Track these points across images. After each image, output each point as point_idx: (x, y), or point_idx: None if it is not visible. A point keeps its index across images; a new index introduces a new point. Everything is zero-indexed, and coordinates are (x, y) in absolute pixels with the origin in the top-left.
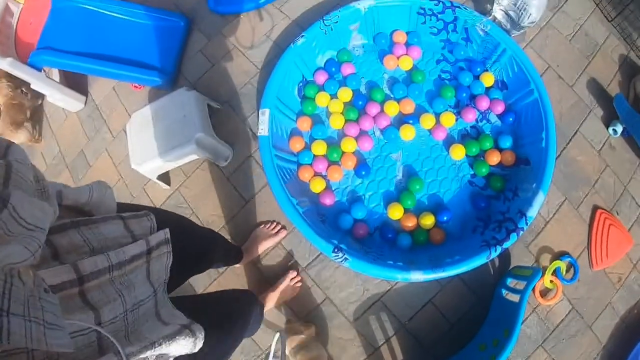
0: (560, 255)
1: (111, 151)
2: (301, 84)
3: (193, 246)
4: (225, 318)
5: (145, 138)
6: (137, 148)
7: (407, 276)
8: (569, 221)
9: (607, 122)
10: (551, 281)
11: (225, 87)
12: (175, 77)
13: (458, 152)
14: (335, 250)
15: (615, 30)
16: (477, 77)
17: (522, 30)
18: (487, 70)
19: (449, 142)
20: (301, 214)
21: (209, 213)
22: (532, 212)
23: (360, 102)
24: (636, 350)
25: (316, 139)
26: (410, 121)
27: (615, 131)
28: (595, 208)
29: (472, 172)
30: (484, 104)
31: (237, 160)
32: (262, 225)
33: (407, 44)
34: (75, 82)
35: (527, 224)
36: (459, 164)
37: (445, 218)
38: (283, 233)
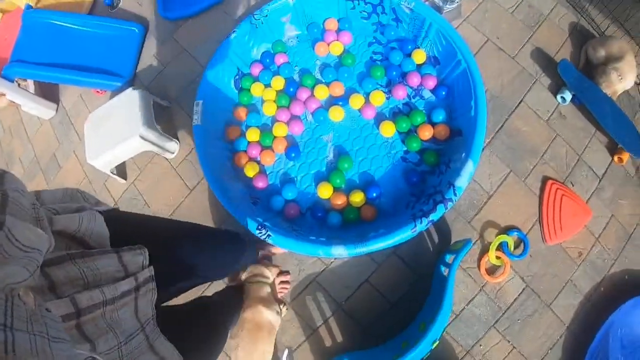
0: (507, 230)
1: (78, 153)
2: (237, 76)
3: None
4: (213, 332)
5: (98, 135)
6: (92, 144)
7: (329, 251)
8: (516, 194)
9: (556, 90)
10: (498, 257)
11: (175, 87)
12: (132, 81)
13: (388, 129)
14: (259, 227)
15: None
16: (408, 55)
17: (454, 5)
18: (418, 48)
19: (379, 121)
20: (229, 196)
21: (160, 203)
22: (461, 182)
23: (291, 89)
24: (604, 330)
25: (251, 127)
26: (340, 103)
27: (564, 99)
28: (545, 179)
29: (404, 149)
30: (415, 80)
31: (184, 153)
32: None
33: (339, 30)
34: (48, 92)
35: (455, 194)
36: (391, 141)
37: (374, 195)
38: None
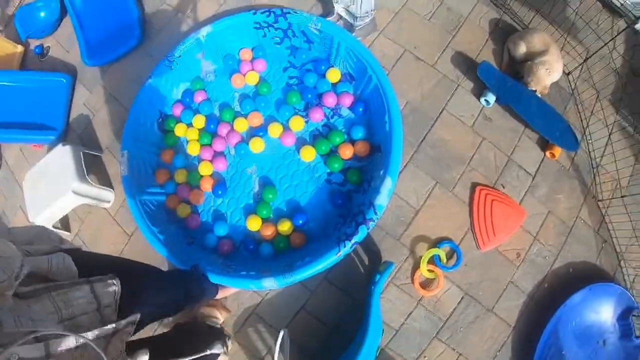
0: (438, 242)
1: (24, 207)
2: (160, 119)
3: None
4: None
5: (36, 193)
6: (31, 202)
7: (260, 284)
8: (444, 205)
9: (480, 93)
10: (431, 270)
11: (106, 133)
12: (65, 132)
13: (307, 154)
14: (192, 267)
15: None
16: (323, 76)
17: (367, 20)
18: (332, 66)
19: (300, 146)
20: (161, 240)
21: (103, 251)
22: (381, 200)
23: (212, 126)
24: (552, 326)
25: (178, 168)
26: (260, 133)
27: (487, 102)
28: (474, 186)
29: (327, 170)
30: (330, 100)
31: (119, 200)
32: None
33: (254, 59)
34: None
35: (376, 213)
36: (312, 165)
37: (300, 221)
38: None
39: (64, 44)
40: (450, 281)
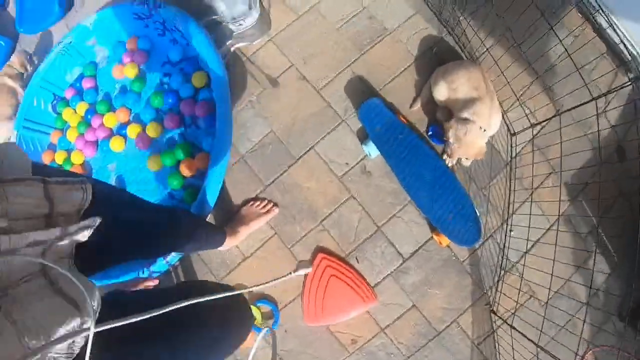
0: (257, 299)
1: None
2: (54, 101)
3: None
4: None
5: None
6: None
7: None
8: (278, 260)
9: (365, 137)
10: None
11: None
12: None
13: (154, 164)
14: None
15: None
16: (189, 80)
17: (247, 25)
18: (200, 69)
19: (153, 152)
20: None
21: None
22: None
23: (89, 116)
24: None
25: (59, 150)
26: (124, 131)
27: (370, 153)
28: (317, 250)
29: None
30: (187, 108)
31: None
32: (250, 204)
33: (139, 49)
34: None
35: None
36: (160, 175)
37: None
38: (274, 211)
39: (11, 9)
40: (266, 342)
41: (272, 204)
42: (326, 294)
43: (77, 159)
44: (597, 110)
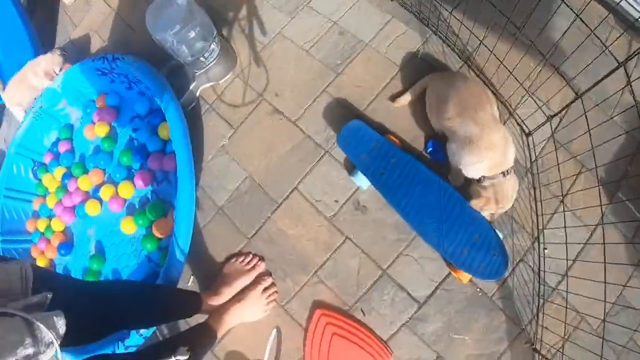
0: None
1: None
2: (35, 167)
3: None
4: None
5: None
6: None
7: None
8: (269, 320)
9: (354, 167)
10: None
11: None
12: None
13: (127, 226)
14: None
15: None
16: (156, 132)
17: (208, 64)
18: (165, 120)
19: (129, 213)
20: None
21: None
22: None
23: (65, 181)
24: None
25: (41, 217)
26: (98, 194)
27: (362, 185)
28: (315, 306)
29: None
30: (155, 163)
31: None
32: (233, 260)
33: (107, 106)
34: None
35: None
36: (136, 237)
37: None
38: (260, 266)
39: None
40: None
41: (257, 258)
42: (330, 357)
43: (57, 226)
44: (628, 77)
